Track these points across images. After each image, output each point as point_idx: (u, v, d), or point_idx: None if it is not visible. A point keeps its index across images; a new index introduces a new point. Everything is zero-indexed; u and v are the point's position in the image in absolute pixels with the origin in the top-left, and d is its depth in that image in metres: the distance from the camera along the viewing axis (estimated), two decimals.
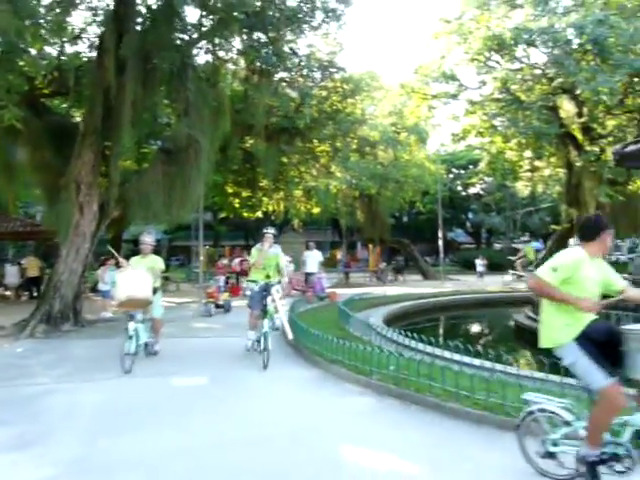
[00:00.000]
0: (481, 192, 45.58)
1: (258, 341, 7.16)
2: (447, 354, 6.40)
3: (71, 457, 4.03)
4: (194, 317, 12.51)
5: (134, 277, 6.91)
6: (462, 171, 45.15)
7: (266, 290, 7.28)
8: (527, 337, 10.16)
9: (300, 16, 11.89)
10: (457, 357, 6.20)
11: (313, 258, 15.72)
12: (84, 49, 13.48)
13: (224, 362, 7.38)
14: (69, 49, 13.71)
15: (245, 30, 12.93)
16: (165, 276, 23.40)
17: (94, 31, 13.14)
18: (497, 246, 50.97)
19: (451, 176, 44.80)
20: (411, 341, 7.55)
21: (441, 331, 12.34)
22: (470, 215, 51.11)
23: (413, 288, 18.56)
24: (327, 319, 10.02)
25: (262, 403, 5.48)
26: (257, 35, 13.37)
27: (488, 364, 5.69)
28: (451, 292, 16.43)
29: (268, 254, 7.56)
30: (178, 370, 6.83)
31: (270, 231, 7.68)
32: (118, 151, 11.27)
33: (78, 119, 16.59)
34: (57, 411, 5.21)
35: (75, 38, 13.12)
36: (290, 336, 7.34)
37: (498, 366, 5.73)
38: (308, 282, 15.66)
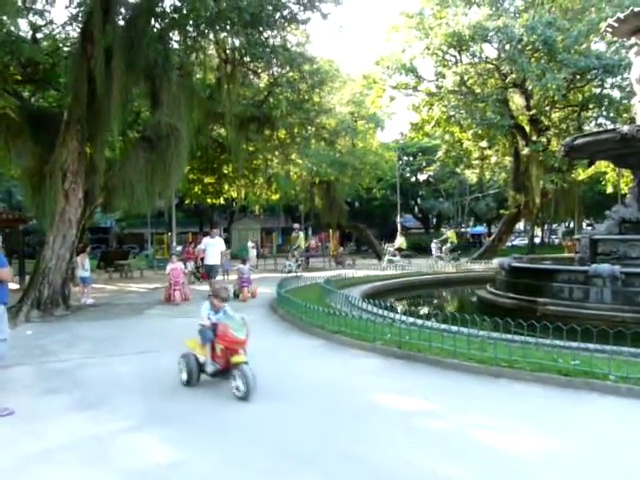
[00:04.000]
0: (430, 179, 47.42)
1: None
2: (430, 323, 7.32)
3: (140, 412, 4.64)
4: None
5: None
6: (411, 158, 46.80)
7: None
8: (489, 309, 11.38)
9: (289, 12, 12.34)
10: (444, 326, 7.12)
11: (215, 247, 13.09)
12: (57, 36, 13.53)
13: None
14: (39, 35, 13.74)
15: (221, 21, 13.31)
16: (127, 263, 23.46)
17: (63, 18, 13.19)
18: (443, 230, 53.34)
19: (400, 163, 46.39)
20: (394, 314, 8.44)
21: (414, 306, 13.36)
22: (419, 201, 53.07)
23: (374, 271, 19.54)
24: (309, 297, 10.75)
25: (280, 365, 6.21)
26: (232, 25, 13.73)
27: (473, 331, 6.64)
28: (414, 273, 17.54)
29: None
30: None
31: None
32: (104, 139, 11.49)
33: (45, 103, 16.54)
34: (99, 380, 5.73)
35: (48, 24, 13.14)
36: None
37: (482, 332, 6.70)
38: (211, 275, 12.97)
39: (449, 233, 25.18)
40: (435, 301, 14.59)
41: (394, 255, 24.59)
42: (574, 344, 5.67)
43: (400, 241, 26.44)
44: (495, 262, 22.22)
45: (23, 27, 13.11)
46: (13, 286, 16.78)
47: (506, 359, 5.54)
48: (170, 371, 6.05)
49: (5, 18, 11.22)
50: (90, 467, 3.56)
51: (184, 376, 5.42)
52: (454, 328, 6.85)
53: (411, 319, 7.61)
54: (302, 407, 4.73)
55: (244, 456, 3.71)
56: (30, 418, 4.51)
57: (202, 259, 17.23)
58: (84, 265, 13.19)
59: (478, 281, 16.41)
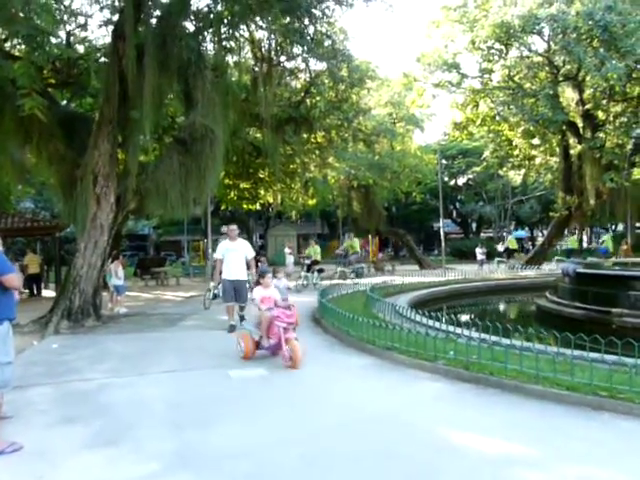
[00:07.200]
0: (470, 182, 45.83)
1: None
2: (501, 339, 6.33)
3: (167, 450, 3.88)
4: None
5: None
6: (451, 161, 45.31)
7: None
8: (554, 320, 10.24)
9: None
10: (526, 343, 6.06)
11: (238, 254, 8.90)
12: (90, 37, 13.20)
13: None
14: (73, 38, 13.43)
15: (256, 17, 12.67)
16: (163, 271, 23.11)
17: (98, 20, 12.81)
18: (483, 235, 51.48)
19: (440, 165, 44.96)
20: (451, 326, 7.45)
21: (468, 316, 12.35)
22: (458, 205, 51.45)
23: (417, 277, 18.50)
24: (352, 306, 9.84)
25: (325, 391, 5.38)
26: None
27: (554, 349, 5.61)
28: (461, 280, 16.48)
29: None
30: (229, 363, 6.65)
31: None
32: (136, 141, 10.98)
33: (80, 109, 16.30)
34: (123, 406, 5.02)
35: (82, 26, 12.81)
36: None
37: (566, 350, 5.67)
38: (239, 300, 8.98)
39: (351, 241, 20.78)
40: (489, 311, 13.52)
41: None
42: None
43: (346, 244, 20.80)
44: (546, 267, 20.97)
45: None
46: (50, 294, 16.57)
47: (605, 387, 4.56)
48: (204, 394, 5.33)
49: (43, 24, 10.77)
50: None
51: None
52: (537, 346, 5.82)
53: (475, 334, 6.66)
54: (354, 449, 3.88)
55: None
56: (38, 458, 3.80)
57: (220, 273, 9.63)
58: (117, 273, 12.70)
59: (532, 288, 15.30)
